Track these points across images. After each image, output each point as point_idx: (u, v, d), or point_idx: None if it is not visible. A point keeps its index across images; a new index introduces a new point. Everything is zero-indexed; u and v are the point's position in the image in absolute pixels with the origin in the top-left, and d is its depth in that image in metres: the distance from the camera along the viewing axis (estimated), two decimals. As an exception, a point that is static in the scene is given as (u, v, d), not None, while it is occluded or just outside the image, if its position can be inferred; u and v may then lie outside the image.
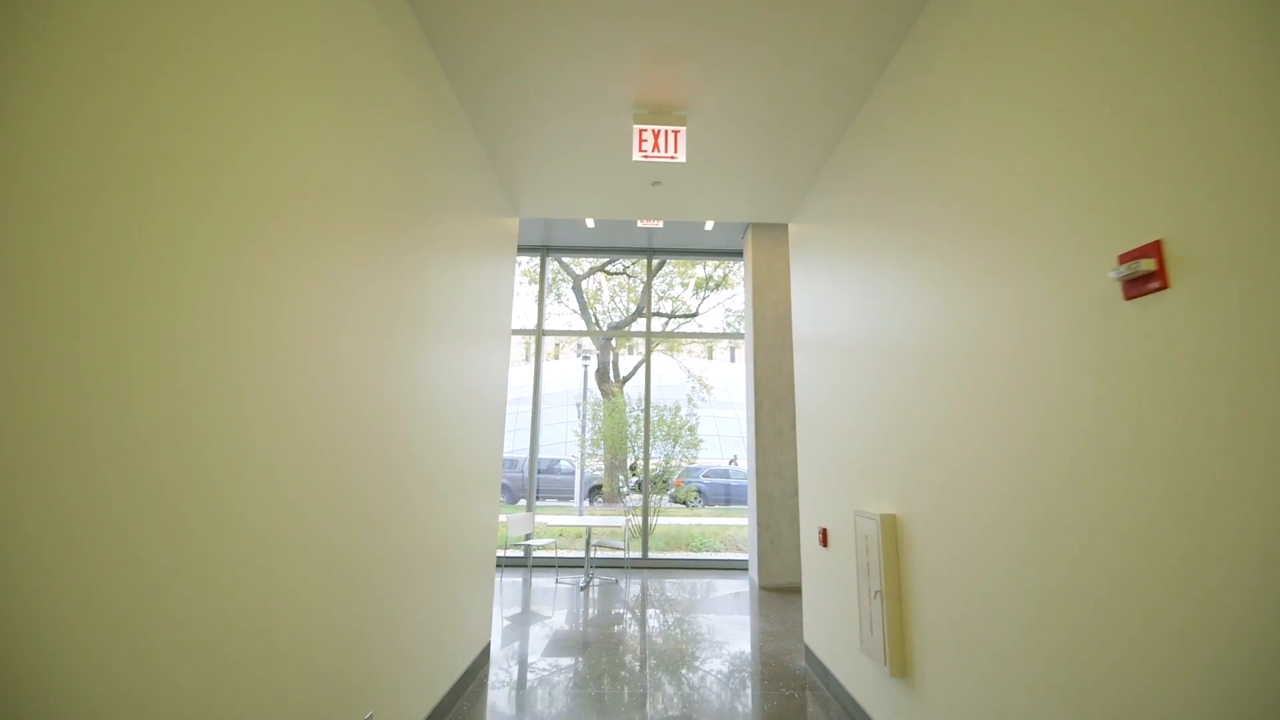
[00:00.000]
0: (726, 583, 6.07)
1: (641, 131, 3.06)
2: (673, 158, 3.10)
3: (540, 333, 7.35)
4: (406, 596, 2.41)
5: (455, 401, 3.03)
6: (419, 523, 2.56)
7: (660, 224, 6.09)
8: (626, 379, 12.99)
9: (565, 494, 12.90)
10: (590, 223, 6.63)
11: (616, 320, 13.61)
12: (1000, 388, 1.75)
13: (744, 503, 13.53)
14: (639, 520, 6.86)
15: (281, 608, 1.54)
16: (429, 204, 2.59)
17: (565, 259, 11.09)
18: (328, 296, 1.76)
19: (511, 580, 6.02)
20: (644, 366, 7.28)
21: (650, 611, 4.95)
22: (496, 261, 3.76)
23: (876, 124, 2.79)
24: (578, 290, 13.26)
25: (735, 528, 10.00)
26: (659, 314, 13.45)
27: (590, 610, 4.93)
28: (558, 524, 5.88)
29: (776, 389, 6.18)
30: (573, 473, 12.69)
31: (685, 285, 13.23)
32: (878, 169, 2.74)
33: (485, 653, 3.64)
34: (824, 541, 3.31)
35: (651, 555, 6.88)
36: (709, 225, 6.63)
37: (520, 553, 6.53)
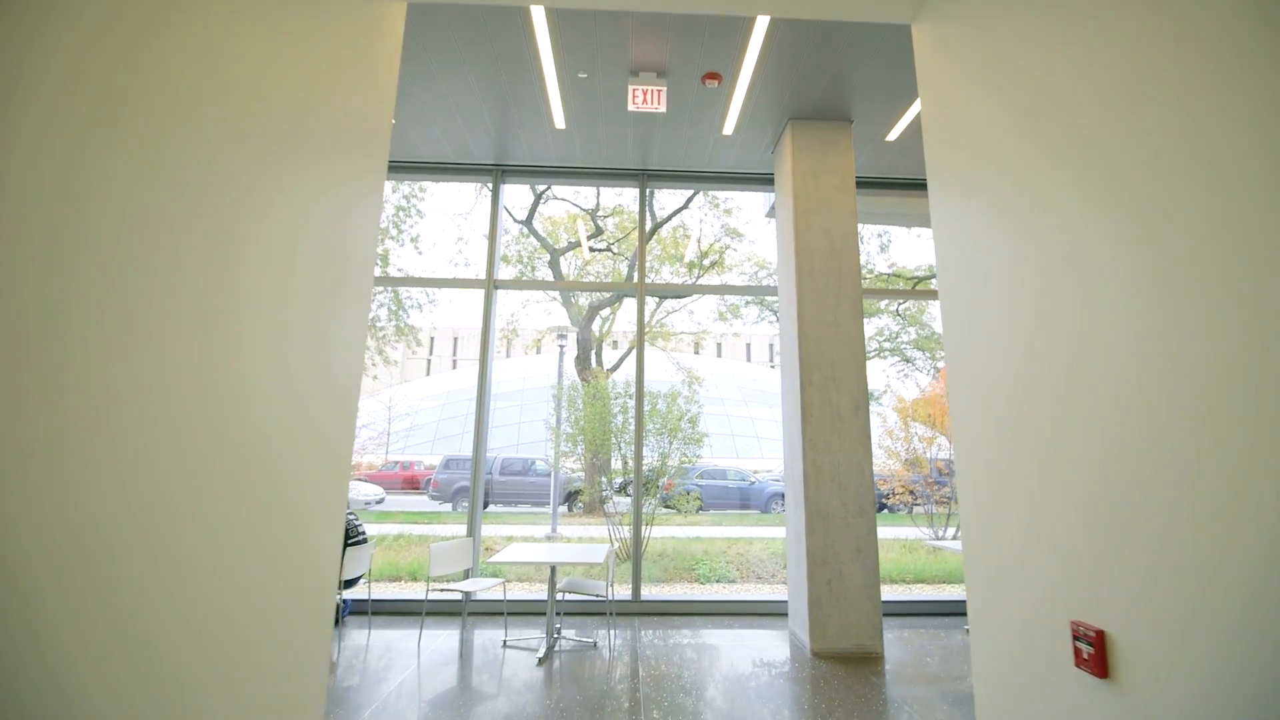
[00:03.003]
0: (758, 641, 4.08)
1: None
2: None
3: (492, 284, 5.29)
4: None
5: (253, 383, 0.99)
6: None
7: (662, 107, 4.09)
8: (613, 369, 10.98)
9: (543, 498, 10.86)
10: (559, 119, 4.60)
11: (603, 299, 11.57)
12: None
13: (748, 507, 11.64)
14: (627, 531, 4.87)
15: None
16: None
17: (523, 183, 9.09)
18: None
19: (435, 639, 3.98)
20: (637, 334, 5.30)
21: None
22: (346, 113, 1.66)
23: None
24: (554, 265, 11.21)
25: (746, 542, 8.03)
26: (651, 288, 11.43)
27: (544, 712, 2.90)
28: (510, 560, 3.83)
29: (833, 356, 4.20)
30: (549, 475, 10.64)
31: (676, 262, 11.32)
32: None
33: None
34: (1101, 663, 1.30)
35: (646, 596, 4.86)
36: (729, 128, 4.63)
37: (459, 593, 4.47)
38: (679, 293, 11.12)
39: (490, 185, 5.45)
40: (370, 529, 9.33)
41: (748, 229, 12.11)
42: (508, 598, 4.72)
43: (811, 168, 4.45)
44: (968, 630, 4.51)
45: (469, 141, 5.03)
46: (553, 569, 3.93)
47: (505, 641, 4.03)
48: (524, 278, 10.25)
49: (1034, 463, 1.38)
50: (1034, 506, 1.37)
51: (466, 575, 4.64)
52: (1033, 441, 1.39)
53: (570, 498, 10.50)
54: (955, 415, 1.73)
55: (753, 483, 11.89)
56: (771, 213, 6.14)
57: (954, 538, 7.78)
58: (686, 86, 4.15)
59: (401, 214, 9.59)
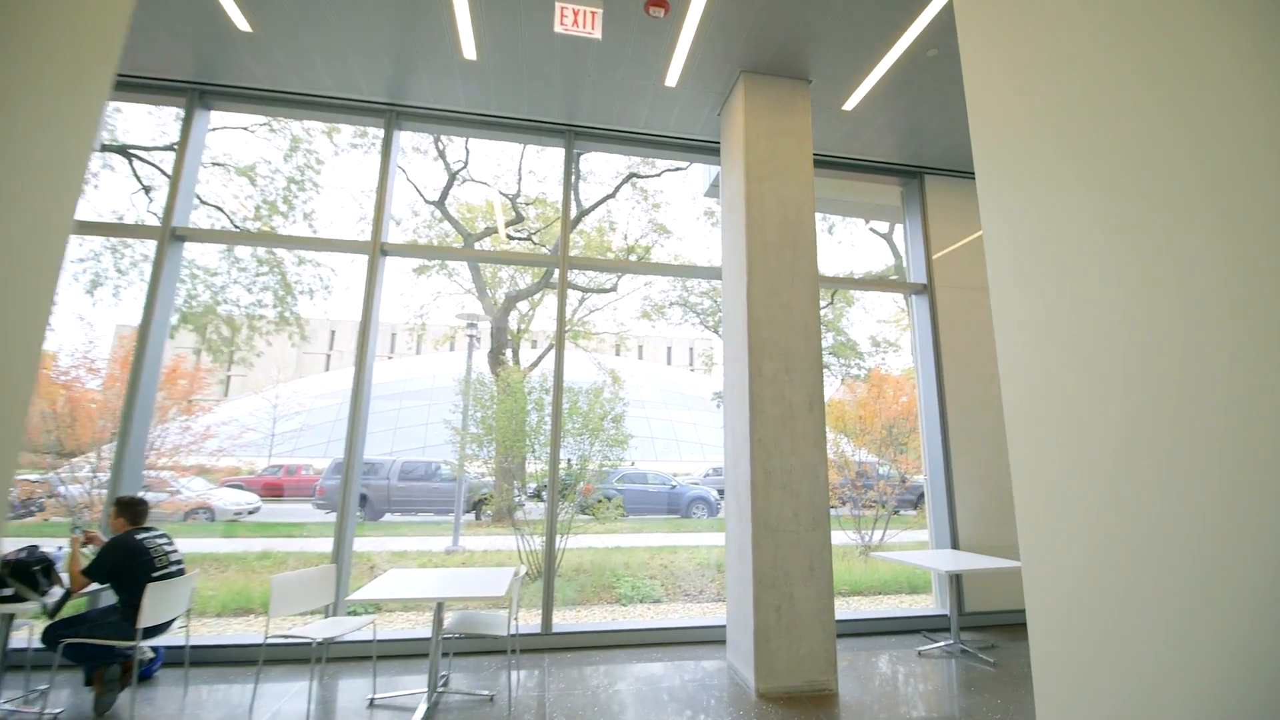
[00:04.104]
0: (692, 680, 3.41)
1: None
2: None
3: (379, 247, 4.31)
4: None
5: None
6: None
7: (596, 32, 3.35)
8: (531, 367, 10.04)
9: (449, 506, 9.73)
10: (469, 47, 3.74)
11: (521, 290, 10.59)
12: None
13: (669, 513, 11.09)
14: (541, 541, 4.05)
15: None
16: None
17: (427, 134, 8.10)
18: None
19: (276, 697, 2.97)
20: (558, 313, 4.52)
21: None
22: None
23: None
24: (474, 265, 10.16)
25: (670, 552, 7.42)
26: (574, 287, 10.62)
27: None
28: (380, 597, 2.92)
29: (787, 343, 3.64)
30: (455, 480, 9.53)
31: (602, 254, 10.65)
32: None
33: None
34: None
35: (559, 626, 4.07)
36: (672, 77, 3.98)
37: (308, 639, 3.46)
38: (605, 268, 10.38)
39: (382, 129, 4.46)
40: (234, 545, 7.83)
41: (677, 226, 11.62)
42: (379, 637, 3.76)
43: (766, 128, 3.88)
44: (920, 652, 4.20)
45: (355, 73, 4.04)
46: (439, 606, 3.05)
47: (372, 699, 3.10)
48: (422, 243, 9.06)
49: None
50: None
51: (329, 611, 3.63)
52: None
53: (478, 505, 9.45)
54: (1011, 423, 1.20)
55: (674, 487, 11.38)
56: (711, 191, 5.58)
57: (881, 544, 7.58)
58: (627, 14, 3.45)
59: (294, 187, 8.19)
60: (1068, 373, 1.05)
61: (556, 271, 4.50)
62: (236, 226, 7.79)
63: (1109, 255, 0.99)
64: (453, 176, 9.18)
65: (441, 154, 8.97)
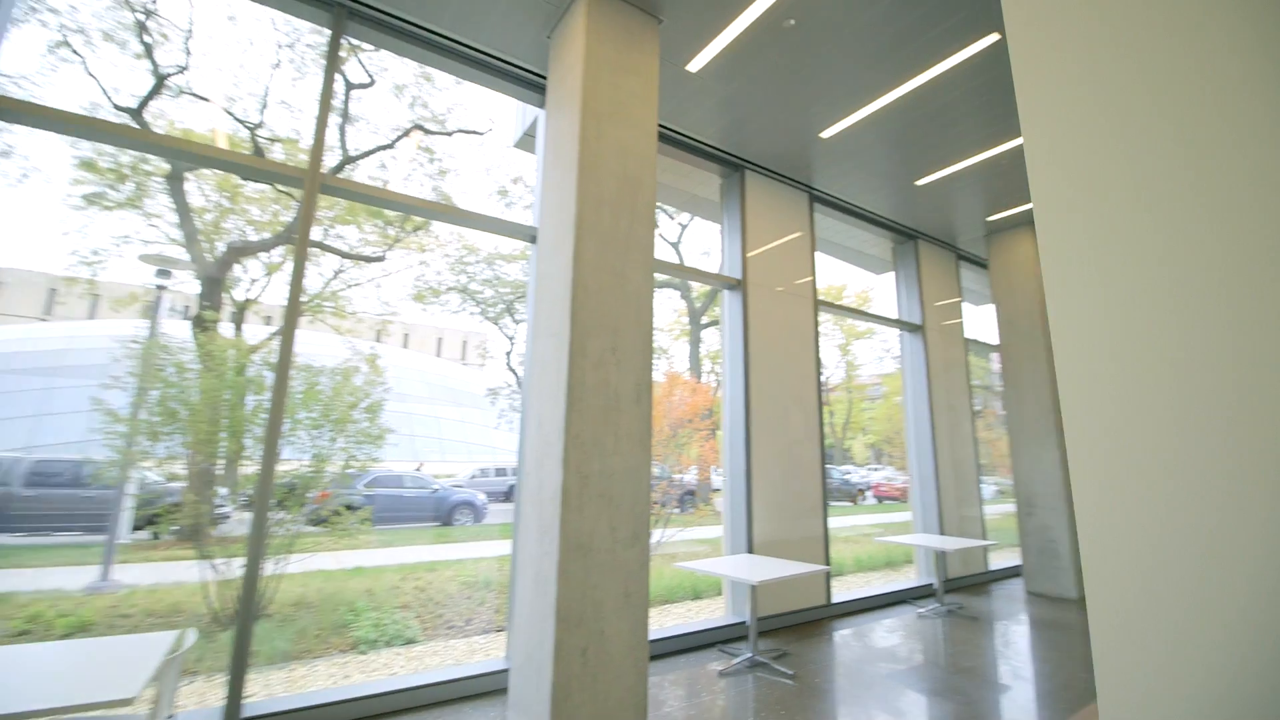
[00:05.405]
0: (464, 763, 2.49)
1: None
2: None
3: None
4: None
5: None
6: None
7: None
8: (258, 348, 7.64)
9: (105, 520, 6.82)
10: None
11: (250, 241, 8.01)
12: None
13: (430, 521, 9.66)
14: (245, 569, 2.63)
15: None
16: None
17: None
18: None
19: None
20: (297, 245, 3.14)
21: None
22: None
23: None
24: (175, 188, 7.29)
25: (428, 569, 6.18)
26: (331, 250, 8.50)
27: None
28: None
29: (618, 319, 2.97)
30: (118, 486, 6.73)
31: (372, 220, 8.93)
32: None
33: None
34: None
35: (255, 706, 2.71)
36: (497, -36, 3.05)
37: None
38: (382, 202, 8.53)
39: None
40: None
41: (467, 202, 10.31)
42: None
43: (610, 60, 3.20)
44: (721, 673, 3.87)
45: None
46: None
47: None
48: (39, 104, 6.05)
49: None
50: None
51: None
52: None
53: (154, 521, 6.80)
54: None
55: (435, 490, 10.01)
56: (522, 142, 4.72)
57: (662, 543, 7.46)
58: None
59: None
60: (1127, 369, 1.02)
61: (298, 212, 3.15)
62: None
63: (1164, 250, 0.99)
64: (161, 80, 6.54)
65: (145, 41, 6.34)
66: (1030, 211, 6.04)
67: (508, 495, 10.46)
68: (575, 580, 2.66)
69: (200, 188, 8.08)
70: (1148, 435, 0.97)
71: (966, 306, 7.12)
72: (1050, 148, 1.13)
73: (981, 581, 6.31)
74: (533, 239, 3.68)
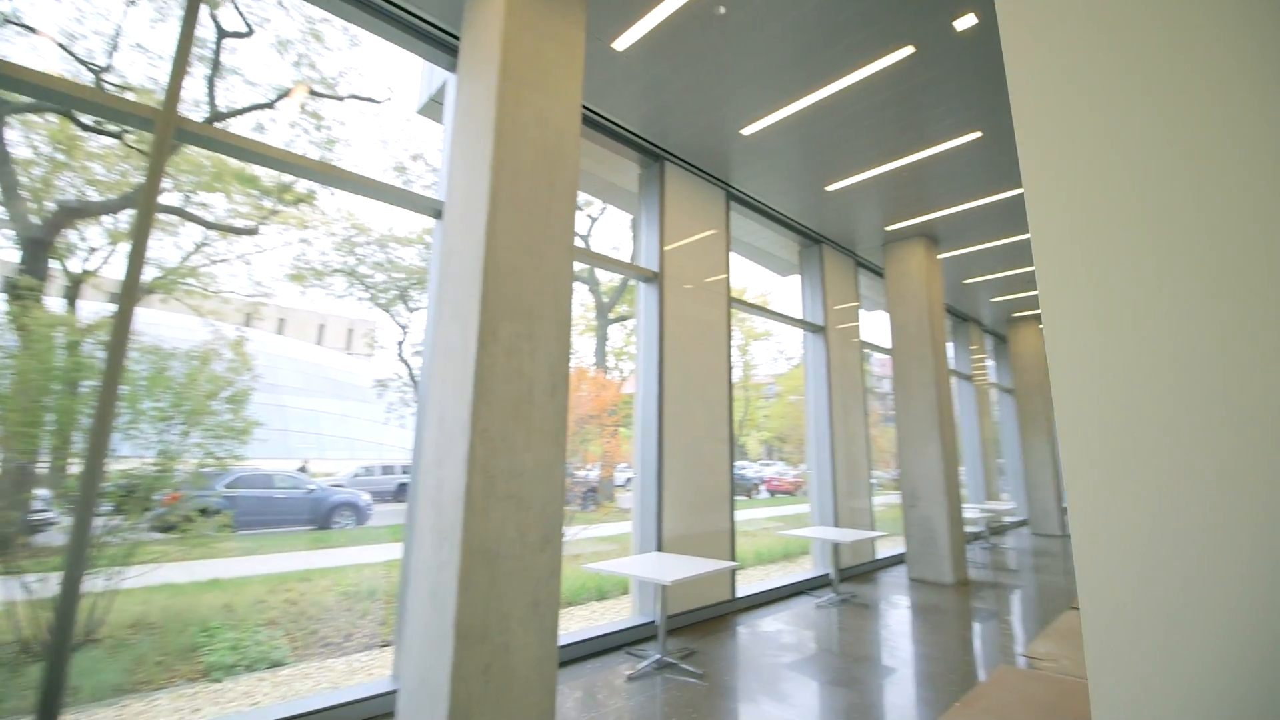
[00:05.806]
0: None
1: None
2: None
3: None
4: None
5: None
6: None
7: None
8: (94, 327, 6.41)
9: None
10: None
11: (88, 202, 6.69)
12: None
13: (304, 524, 8.72)
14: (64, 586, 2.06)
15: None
16: None
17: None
18: None
19: None
20: (146, 189, 2.58)
21: None
22: None
23: None
24: None
25: (300, 578, 5.54)
26: (185, 214, 7.31)
27: None
28: None
29: (533, 302, 2.72)
30: None
31: (244, 188, 7.88)
32: None
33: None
34: None
35: (64, 765, 2.19)
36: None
37: None
38: (248, 155, 7.48)
39: None
40: None
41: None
42: None
43: (532, 23, 2.93)
44: (629, 677, 3.72)
45: None
46: None
47: None
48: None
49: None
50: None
51: None
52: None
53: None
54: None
55: (312, 490, 9.05)
56: (428, 108, 4.31)
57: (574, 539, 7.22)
58: None
59: None
60: (1119, 363, 1.01)
61: (149, 163, 2.59)
62: None
63: (1157, 247, 0.98)
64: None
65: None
66: (923, 224, 6.49)
67: (397, 494, 9.71)
68: (479, 591, 2.39)
69: (28, 136, 6.69)
70: (1139, 431, 0.96)
71: (862, 311, 7.55)
72: (1042, 143, 1.11)
73: (870, 570, 6.71)
74: (437, 214, 3.32)
